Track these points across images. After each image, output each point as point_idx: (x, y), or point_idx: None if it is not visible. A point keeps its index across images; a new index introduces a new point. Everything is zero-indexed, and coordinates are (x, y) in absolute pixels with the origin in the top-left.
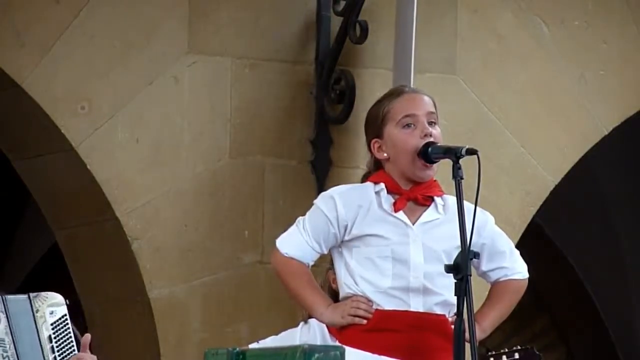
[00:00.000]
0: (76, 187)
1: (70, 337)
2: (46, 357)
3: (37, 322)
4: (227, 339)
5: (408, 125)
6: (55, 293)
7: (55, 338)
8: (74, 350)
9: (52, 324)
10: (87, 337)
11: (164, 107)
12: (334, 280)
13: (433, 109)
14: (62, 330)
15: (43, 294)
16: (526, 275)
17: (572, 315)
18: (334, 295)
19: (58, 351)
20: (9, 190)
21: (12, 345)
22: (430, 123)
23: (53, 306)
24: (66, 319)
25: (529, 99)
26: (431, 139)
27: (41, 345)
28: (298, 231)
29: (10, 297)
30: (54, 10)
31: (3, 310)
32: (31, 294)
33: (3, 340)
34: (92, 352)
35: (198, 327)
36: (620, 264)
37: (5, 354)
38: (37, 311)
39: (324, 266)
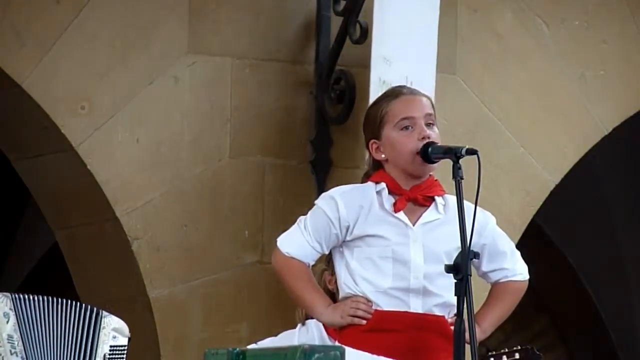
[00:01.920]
0: (76, 187)
1: None
2: None
3: (100, 337)
4: (227, 339)
5: (406, 128)
6: (124, 323)
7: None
8: None
9: (111, 346)
10: None
11: (164, 107)
12: (330, 281)
13: (431, 110)
14: (118, 356)
15: (115, 318)
16: (527, 276)
17: (572, 315)
18: (330, 296)
19: None
20: (9, 190)
21: (20, 342)
22: (428, 124)
23: (117, 332)
24: (124, 350)
25: (529, 99)
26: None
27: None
28: (299, 231)
29: (85, 304)
30: (54, 10)
31: (12, 308)
32: (104, 312)
33: (12, 337)
34: None
35: (198, 327)
36: (620, 264)
37: (13, 350)
38: (104, 328)
39: (320, 267)
